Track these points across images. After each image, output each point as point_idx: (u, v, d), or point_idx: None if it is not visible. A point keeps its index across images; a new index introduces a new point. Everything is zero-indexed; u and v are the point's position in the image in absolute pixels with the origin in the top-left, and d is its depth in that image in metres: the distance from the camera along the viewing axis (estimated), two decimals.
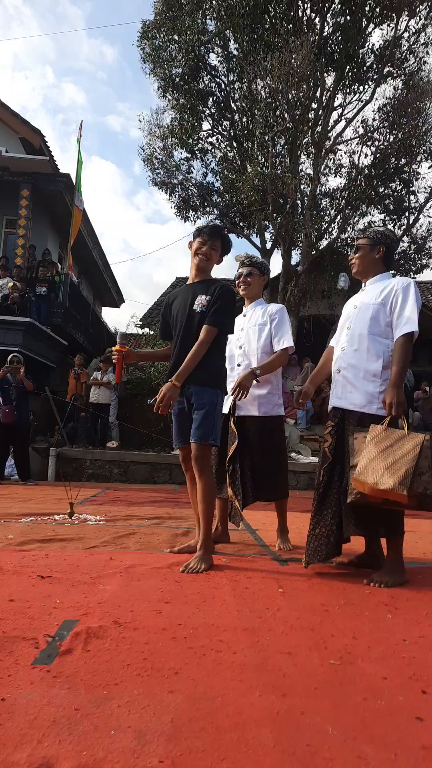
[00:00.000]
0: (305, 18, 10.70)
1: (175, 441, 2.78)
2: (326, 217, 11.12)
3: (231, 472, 2.90)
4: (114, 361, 2.77)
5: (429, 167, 11.08)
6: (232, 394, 2.84)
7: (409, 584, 2.37)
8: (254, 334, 3.02)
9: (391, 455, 2.17)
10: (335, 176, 11.39)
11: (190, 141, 11.50)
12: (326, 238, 11.08)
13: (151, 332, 13.10)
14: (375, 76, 10.92)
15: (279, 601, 2.06)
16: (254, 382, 2.84)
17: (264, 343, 2.99)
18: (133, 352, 2.84)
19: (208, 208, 11.92)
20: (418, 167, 10.98)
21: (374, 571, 2.44)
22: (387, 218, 11.16)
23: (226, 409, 2.94)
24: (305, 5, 10.63)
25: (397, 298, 2.40)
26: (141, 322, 13.92)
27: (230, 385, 2.95)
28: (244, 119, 11.53)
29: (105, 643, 1.56)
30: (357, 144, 11.11)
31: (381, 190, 10.84)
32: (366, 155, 10.93)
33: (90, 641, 1.56)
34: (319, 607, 2.01)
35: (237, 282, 3.14)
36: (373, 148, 10.79)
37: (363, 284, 2.62)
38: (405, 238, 11.14)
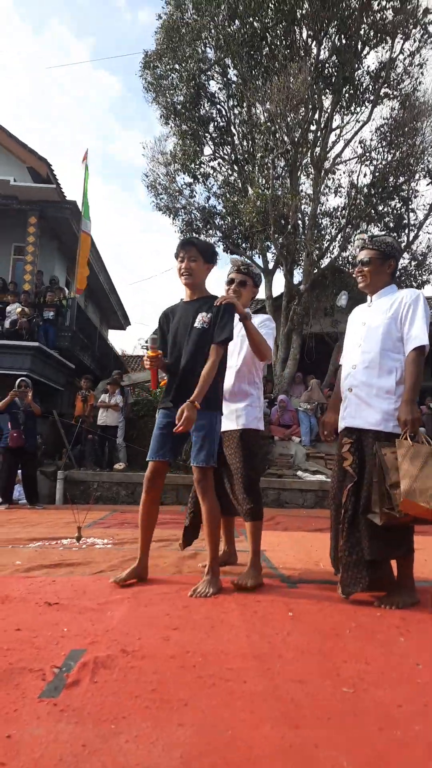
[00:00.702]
0: (302, 43, 10.95)
1: (153, 454, 2.63)
2: (327, 236, 11.21)
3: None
4: (148, 367, 2.63)
5: (427, 185, 11.10)
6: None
7: (420, 605, 2.32)
8: (236, 347, 2.86)
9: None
10: (335, 196, 11.51)
11: (193, 166, 11.69)
12: (328, 257, 11.15)
13: None
14: (372, 98, 11.10)
15: (289, 625, 2.02)
16: (251, 409, 2.79)
17: (243, 355, 2.83)
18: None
19: (210, 231, 12.05)
20: (417, 185, 11.09)
21: (384, 591, 2.39)
22: (387, 236, 11.24)
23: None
24: (302, 31, 10.88)
25: (407, 311, 2.35)
26: (147, 345, 13.96)
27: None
28: (245, 143, 11.72)
29: (113, 674, 1.53)
30: (356, 164, 11.25)
31: (380, 208, 10.93)
32: (365, 174, 11.07)
33: (97, 672, 1.54)
34: (330, 631, 1.97)
35: (227, 288, 2.94)
36: (372, 168, 10.91)
37: (369, 298, 2.55)
38: (405, 255, 11.20)
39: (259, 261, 11.82)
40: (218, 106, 11.80)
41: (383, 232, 10.95)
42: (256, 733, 1.24)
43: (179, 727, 1.25)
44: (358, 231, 10.78)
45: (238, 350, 2.88)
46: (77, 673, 1.52)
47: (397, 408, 2.30)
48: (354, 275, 2.59)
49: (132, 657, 1.65)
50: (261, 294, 12.56)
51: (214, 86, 11.79)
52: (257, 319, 2.88)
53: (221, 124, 11.82)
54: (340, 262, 11.20)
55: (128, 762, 1.10)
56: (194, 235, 12.07)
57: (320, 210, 11.03)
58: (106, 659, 1.62)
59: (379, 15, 10.43)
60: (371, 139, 11.08)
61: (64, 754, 1.13)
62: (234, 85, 11.42)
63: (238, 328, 2.84)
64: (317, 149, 11.11)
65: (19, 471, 7.21)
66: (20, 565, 3.03)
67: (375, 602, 2.32)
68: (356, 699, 1.43)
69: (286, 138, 10.26)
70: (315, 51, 10.89)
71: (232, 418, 2.81)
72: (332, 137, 11.35)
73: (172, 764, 1.10)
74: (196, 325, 2.59)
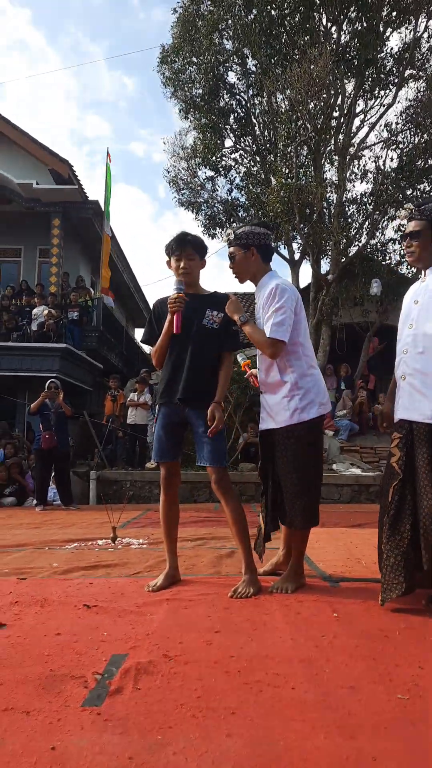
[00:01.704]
0: (322, 28, 10.71)
1: (159, 456, 2.57)
2: (354, 224, 10.96)
3: (263, 491, 2.61)
4: (173, 309, 2.41)
5: None
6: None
7: None
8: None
9: None
10: (361, 182, 11.25)
11: (214, 159, 11.58)
12: (355, 245, 10.91)
13: None
14: (396, 80, 10.79)
15: (334, 627, 1.94)
16: (297, 394, 2.40)
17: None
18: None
19: (234, 224, 11.94)
20: None
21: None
22: None
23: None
24: (321, 16, 10.64)
25: None
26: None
27: None
28: (266, 133, 11.55)
29: (156, 680, 1.49)
30: (381, 148, 10.96)
31: (408, 192, 10.61)
32: (391, 159, 10.77)
33: (140, 678, 1.49)
34: (378, 633, 1.88)
35: (231, 266, 2.62)
36: (399, 151, 10.62)
37: (423, 273, 2.28)
38: None
39: (285, 252, 11.66)
40: (238, 97, 11.65)
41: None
42: (309, 743, 1.18)
43: (228, 737, 1.20)
44: (386, 217, 10.52)
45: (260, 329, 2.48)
46: (120, 680, 1.48)
47: None
48: (403, 250, 2.36)
49: (175, 662, 1.60)
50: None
51: (232, 77, 11.66)
52: (265, 291, 2.45)
53: (241, 115, 11.67)
54: (369, 250, 10.95)
55: None
56: (218, 230, 11.99)
57: (346, 197, 10.79)
58: (148, 665, 1.57)
59: None
60: (397, 123, 10.76)
61: (111, 767, 1.08)
62: (253, 75, 11.26)
63: (258, 305, 2.55)
64: (341, 135, 10.86)
65: (53, 472, 7.29)
66: (57, 567, 3.03)
67: (423, 602, 2.22)
68: (413, 707, 1.35)
69: (308, 125, 10.06)
70: (335, 35, 10.64)
71: (273, 414, 2.47)
72: (356, 122, 11.10)
73: None
74: (204, 322, 2.50)
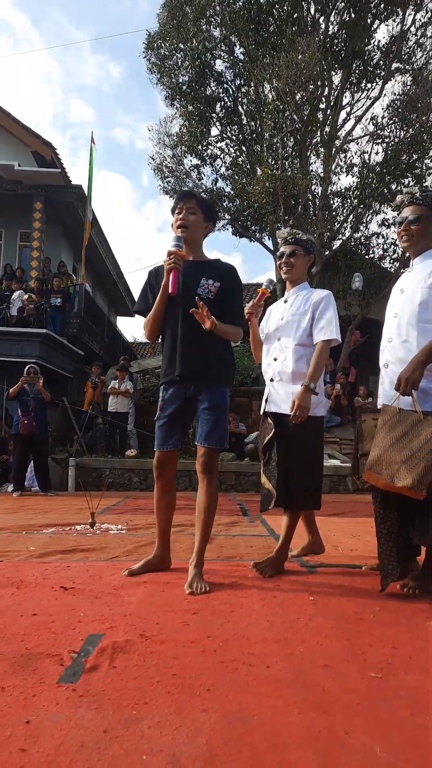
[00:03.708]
0: (310, 18, 10.66)
1: (163, 443, 2.41)
2: (338, 217, 11.01)
3: (266, 461, 2.61)
4: (168, 265, 2.25)
5: None
6: (265, 404, 2.67)
7: None
8: (293, 324, 2.63)
9: (407, 446, 1.94)
10: (346, 175, 11.29)
11: (200, 147, 11.50)
12: (339, 239, 10.97)
13: None
14: (382, 73, 10.82)
15: (310, 609, 1.97)
16: (312, 395, 2.50)
17: (302, 335, 2.59)
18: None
19: (219, 214, 11.88)
20: (431, 162, 10.82)
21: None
22: None
23: (263, 409, 2.71)
24: (309, 5, 10.59)
25: None
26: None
27: (268, 381, 2.72)
28: (253, 123, 11.50)
29: (132, 658, 1.49)
30: (367, 142, 11.01)
31: (393, 186, 10.69)
32: (377, 152, 10.82)
33: (116, 657, 1.50)
34: (354, 615, 1.91)
35: (278, 263, 2.76)
36: (384, 145, 10.67)
37: (411, 262, 2.28)
38: None
39: (269, 243, 11.66)
40: (225, 86, 11.56)
41: (396, 212, 10.75)
42: (282, 719, 1.19)
43: (203, 713, 1.21)
44: (371, 211, 10.56)
45: (295, 327, 2.62)
46: (96, 658, 1.48)
47: None
48: (398, 236, 2.29)
49: (151, 642, 1.61)
50: (272, 277, 12.40)
51: (220, 65, 11.56)
52: (316, 295, 2.65)
53: (228, 103, 11.59)
54: (353, 244, 11.01)
55: (151, 748, 1.06)
56: None
57: (331, 190, 10.82)
58: (124, 644, 1.58)
59: None
60: (383, 116, 10.81)
61: (85, 740, 1.08)
62: (241, 64, 11.17)
63: (299, 303, 2.67)
64: (327, 127, 10.87)
65: (31, 458, 7.22)
66: (34, 551, 3.01)
67: (398, 586, 2.26)
68: (385, 684, 1.37)
69: (295, 116, 10.04)
70: (323, 26, 10.61)
71: (290, 402, 2.54)
72: (342, 115, 11.12)
73: (197, 751, 1.06)
74: (199, 291, 2.30)
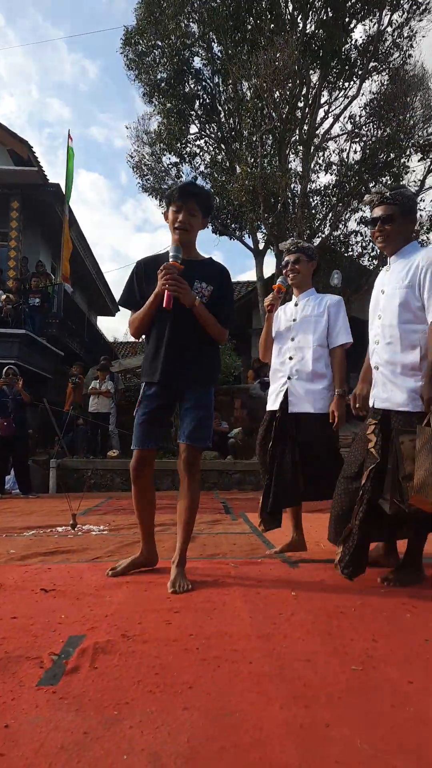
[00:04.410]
0: (288, 16, 10.69)
1: (142, 442, 2.33)
2: (318, 215, 11.08)
3: (267, 472, 2.78)
4: (164, 282, 2.15)
5: (418, 161, 10.97)
6: (283, 403, 2.79)
7: (425, 583, 2.29)
8: (310, 325, 2.80)
9: None
10: (325, 173, 11.36)
11: (179, 145, 11.46)
12: (319, 236, 11.03)
13: None
14: (360, 72, 10.91)
15: (292, 605, 1.98)
16: (326, 392, 2.72)
17: (320, 335, 2.76)
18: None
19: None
20: (407, 161, 10.96)
21: (389, 568, 2.36)
22: (405, 188, 11.13)
23: (276, 405, 2.81)
24: (287, 4, 10.62)
25: (424, 276, 2.10)
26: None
27: (281, 380, 2.84)
28: (231, 120, 11.49)
29: (113, 659, 1.48)
30: (345, 140, 11.09)
31: (371, 185, 10.79)
32: (355, 151, 10.92)
33: (97, 657, 1.48)
34: (335, 610, 1.93)
35: (284, 271, 2.94)
36: (362, 144, 10.76)
37: (388, 260, 2.31)
38: None
39: (249, 241, 11.69)
40: (203, 83, 11.54)
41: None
42: (264, 714, 1.19)
43: (185, 710, 1.20)
44: (349, 209, 10.65)
45: (312, 328, 2.78)
46: (76, 660, 1.46)
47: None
48: (373, 235, 2.31)
49: (133, 642, 1.60)
50: (252, 276, 12.43)
51: (198, 62, 11.53)
52: (330, 300, 2.84)
53: (207, 101, 11.57)
54: (332, 241, 11.09)
55: (133, 748, 1.05)
56: None
57: (310, 188, 10.88)
58: (106, 644, 1.56)
59: None
60: (360, 116, 10.91)
61: (65, 742, 1.07)
62: (219, 61, 11.16)
63: (312, 306, 2.84)
64: (306, 125, 10.92)
65: (11, 460, 7.12)
66: (15, 554, 2.97)
67: (378, 579, 2.29)
68: (366, 677, 1.39)
69: (273, 114, 10.07)
70: (301, 25, 10.65)
71: (310, 400, 2.72)
72: (321, 113, 11.19)
73: (179, 749, 1.05)
74: (193, 294, 2.25)
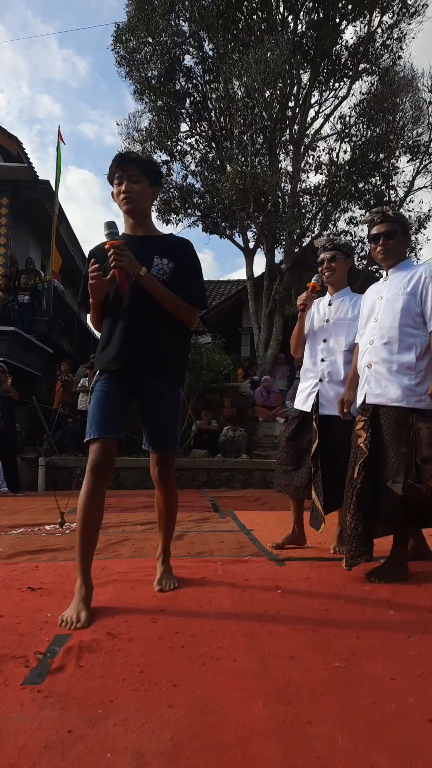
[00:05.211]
0: (279, 16, 10.70)
1: (98, 429, 1.93)
2: (308, 215, 11.11)
3: (314, 472, 2.74)
4: (114, 262, 1.89)
5: (407, 161, 11.03)
6: (311, 404, 2.83)
7: (409, 580, 2.32)
8: (343, 329, 2.80)
9: None
10: (315, 173, 11.39)
11: (169, 143, 11.43)
12: (308, 236, 11.06)
13: None
14: (350, 73, 10.95)
15: (278, 603, 2.00)
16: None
17: (352, 341, 2.73)
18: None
19: (189, 210, 11.85)
20: (397, 162, 11.01)
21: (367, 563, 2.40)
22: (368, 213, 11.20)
23: (308, 407, 2.84)
24: (278, 4, 10.63)
25: (427, 287, 2.27)
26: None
27: (311, 380, 2.87)
28: (222, 119, 11.48)
29: (99, 657, 1.48)
30: (335, 140, 11.13)
31: (361, 185, 10.85)
32: (345, 151, 10.95)
33: (83, 656, 1.49)
34: (320, 607, 1.95)
35: (320, 269, 2.89)
36: (352, 144, 10.80)
37: (385, 273, 2.48)
38: None
39: (240, 240, 11.69)
40: (194, 81, 11.50)
41: (363, 211, 10.90)
42: (247, 711, 1.21)
43: (169, 708, 1.21)
44: (339, 209, 10.69)
45: (345, 333, 2.79)
46: (62, 659, 1.47)
47: (418, 383, 2.26)
48: (374, 250, 2.45)
49: (118, 640, 1.61)
50: (242, 274, 12.41)
51: (189, 60, 11.50)
52: (354, 298, 2.82)
53: (198, 99, 11.54)
54: None
55: (116, 746, 1.06)
56: (172, 216, 11.82)
57: (300, 188, 10.90)
58: (91, 643, 1.57)
59: None
60: (350, 116, 10.94)
61: (49, 740, 1.08)
62: (210, 60, 11.14)
63: (347, 307, 2.82)
64: (296, 125, 10.94)
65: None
66: (2, 552, 2.96)
67: (365, 576, 2.32)
68: (348, 673, 1.41)
69: (264, 114, 10.07)
70: (292, 25, 10.67)
71: (334, 403, 2.74)
72: (311, 113, 11.21)
73: (163, 747, 1.06)
74: (153, 272, 1.98)
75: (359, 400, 2.44)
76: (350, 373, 2.63)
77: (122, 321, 1.99)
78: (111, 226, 1.94)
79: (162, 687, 1.31)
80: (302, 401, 2.92)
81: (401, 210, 11.24)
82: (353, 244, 11.17)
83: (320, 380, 2.84)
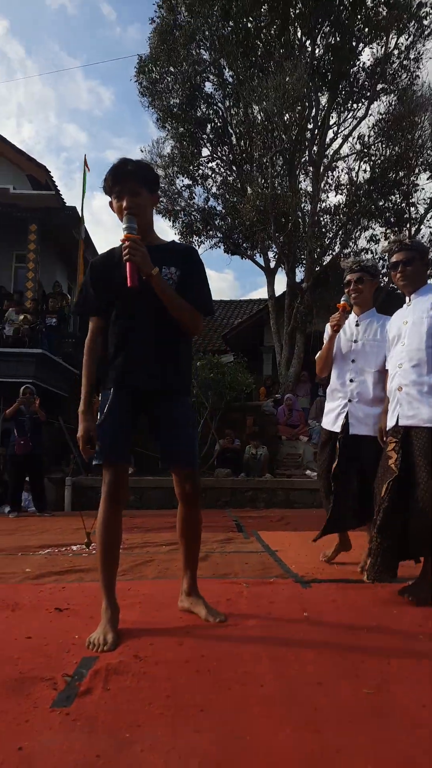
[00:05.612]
0: (296, 41, 10.92)
1: (109, 455, 1.93)
2: (328, 234, 11.16)
3: (333, 489, 2.85)
4: (126, 255, 1.84)
5: (427, 179, 11.03)
6: (335, 416, 2.92)
7: None
8: (372, 350, 2.84)
9: None
10: (335, 193, 11.47)
11: (191, 168, 11.69)
12: (329, 254, 11.10)
13: None
14: (368, 93, 11.07)
15: (304, 626, 1.97)
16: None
17: (382, 361, 2.77)
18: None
19: (211, 232, 12.03)
20: (417, 179, 11.02)
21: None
22: (388, 231, 11.19)
23: (337, 428, 2.88)
24: (296, 29, 10.86)
25: None
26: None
27: (340, 400, 2.91)
28: (242, 143, 11.70)
29: (126, 680, 1.49)
30: (354, 160, 11.21)
31: (381, 203, 10.87)
32: (364, 170, 11.02)
33: (110, 679, 1.50)
34: (347, 631, 1.92)
35: (347, 290, 2.95)
36: (371, 163, 10.87)
37: (408, 298, 2.54)
38: None
39: (260, 260, 11.80)
40: (215, 107, 11.79)
41: (384, 228, 10.89)
42: (275, 738, 1.20)
43: (196, 733, 1.21)
44: (359, 227, 10.71)
45: (374, 354, 2.83)
46: (89, 681, 1.48)
47: None
48: (395, 277, 2.54)
49: (145, 663, 1.61)
50: (263, 293, 12.52)
51: (209, 87, 11.81)
52: (382, 320, 2.87)
53: (218, 124, 11.81)
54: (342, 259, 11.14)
55: None
56: (195, 238, 12.00)
57: (320, 207, 10.99)
58: (118, 666, 1.58)
59: (372, 11, 10.40)
60: (369, 135, 11.03)
61: (77, 764, 1.09)
62: (230, 86, 11.41)
63: (375, 329, 2.87)
64: (315, 147, 11.08)
65: (27, 478, 7.19)
66: (30, 573, 3.00)
67: (397, 592, 2.30)
68: (378, 700, 1.38)
69: (283, 136, 10.23)
70: (309, 49, 10.88)
71: (369, 423, 2.79)
72: (330, 134, 11.36)
73: None
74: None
75: (391, 423, 2.47)
76: (386, 402, 2.64)
77: (129, 334, 1.95)
78: (131, 220, 1.90)
79: (189, 712, 1.31)
80: (331, 422, 2.95)
81: (422, 226, 11.24)
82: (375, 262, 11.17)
83: (349, 400, 2.87)
